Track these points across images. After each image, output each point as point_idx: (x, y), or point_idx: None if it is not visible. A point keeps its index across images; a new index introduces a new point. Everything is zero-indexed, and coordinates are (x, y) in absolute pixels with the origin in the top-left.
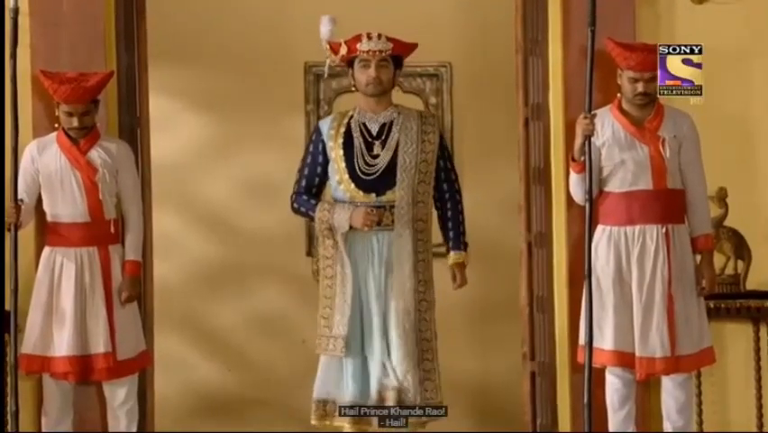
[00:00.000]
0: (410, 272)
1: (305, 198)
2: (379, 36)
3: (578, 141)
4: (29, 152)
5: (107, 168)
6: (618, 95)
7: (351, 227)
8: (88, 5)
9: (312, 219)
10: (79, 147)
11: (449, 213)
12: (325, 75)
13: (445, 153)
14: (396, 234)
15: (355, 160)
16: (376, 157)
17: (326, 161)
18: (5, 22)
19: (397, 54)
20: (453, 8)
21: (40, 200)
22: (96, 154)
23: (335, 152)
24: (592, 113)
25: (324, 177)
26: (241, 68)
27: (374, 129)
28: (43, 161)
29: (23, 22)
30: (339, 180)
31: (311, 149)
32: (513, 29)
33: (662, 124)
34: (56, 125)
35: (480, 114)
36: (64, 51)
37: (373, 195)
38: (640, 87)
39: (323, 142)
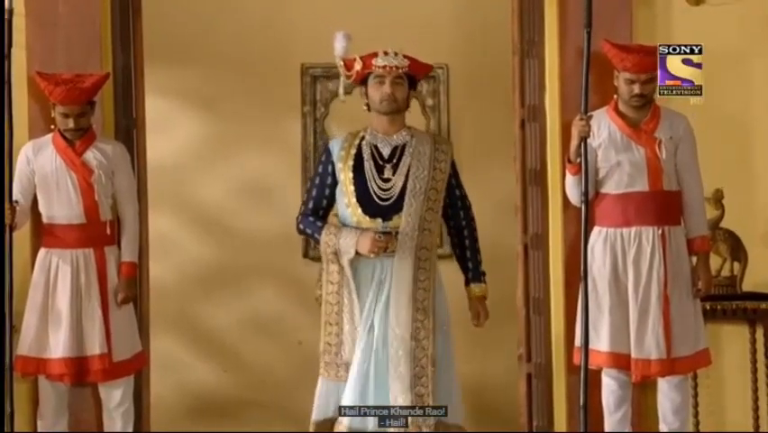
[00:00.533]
0: (408, 301)
1: (311, 219)
2: (396, 53)
3: (574, 142)
4: (24, 153)
5: (103, 169)
6: (615, 96)
7: (357, 253)
8: (84, 6)
9: (317, 242)
10: (75, 148)
11: (466, 242)
12: (340, 96)
13: (458, 180)
14: (397, 260)
15: (368, 184)
16: (387, 181)
17: (335, 183)
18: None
19: (413, 74)
20: (450, 10)
21: (35, 202)
22: (91, 155)
23: (344, 175)
24: (588, 114)
25: (332, 199)
26: (237, 69)
27: (386, 152)
28: (39, 163)
29: (19, 22)
30: (347, 204)
31: (320, 170)
32: (509, 30)
33: (659, 125)
34: (52, 127)
35: (476, 115)
36: (60, 52)
37: (379, 220)
38: (636, 88)
39: (332, 163)
